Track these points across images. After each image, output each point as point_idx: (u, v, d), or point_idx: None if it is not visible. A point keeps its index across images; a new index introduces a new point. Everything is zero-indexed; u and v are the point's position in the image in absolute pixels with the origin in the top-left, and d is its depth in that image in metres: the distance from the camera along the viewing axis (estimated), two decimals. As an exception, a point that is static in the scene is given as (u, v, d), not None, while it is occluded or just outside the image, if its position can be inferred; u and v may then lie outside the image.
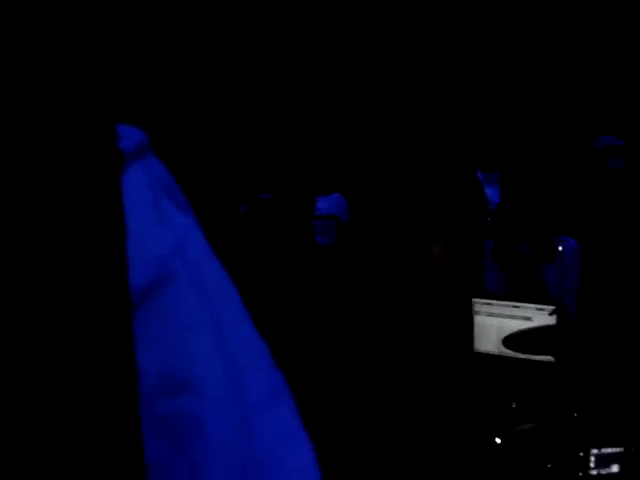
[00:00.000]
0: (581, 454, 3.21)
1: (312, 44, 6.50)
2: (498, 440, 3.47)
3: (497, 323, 3.85)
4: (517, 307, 3.82)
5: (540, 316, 3.72)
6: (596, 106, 6.06)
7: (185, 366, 0.66)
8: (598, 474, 3.22)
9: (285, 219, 5.48)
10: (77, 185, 0.62)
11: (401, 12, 6.57)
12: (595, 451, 3.22)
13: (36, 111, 0.63)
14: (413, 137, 6.47)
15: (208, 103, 6.12)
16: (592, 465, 3.22)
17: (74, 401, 0.59)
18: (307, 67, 6.52)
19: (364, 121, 6.55)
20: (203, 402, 0.66)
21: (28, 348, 0.57)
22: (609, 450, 3.24)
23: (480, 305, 3.94)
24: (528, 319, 3.75)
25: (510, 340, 3.57)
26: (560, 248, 4.11)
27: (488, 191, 5.39)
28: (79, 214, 0.61)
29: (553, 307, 3.71)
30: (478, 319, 3.94)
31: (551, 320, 3.68)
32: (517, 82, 6.49)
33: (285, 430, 0.70)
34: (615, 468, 3.24)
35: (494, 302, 3.91)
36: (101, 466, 0.60)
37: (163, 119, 5.15)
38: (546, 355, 3.58)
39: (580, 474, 3.21)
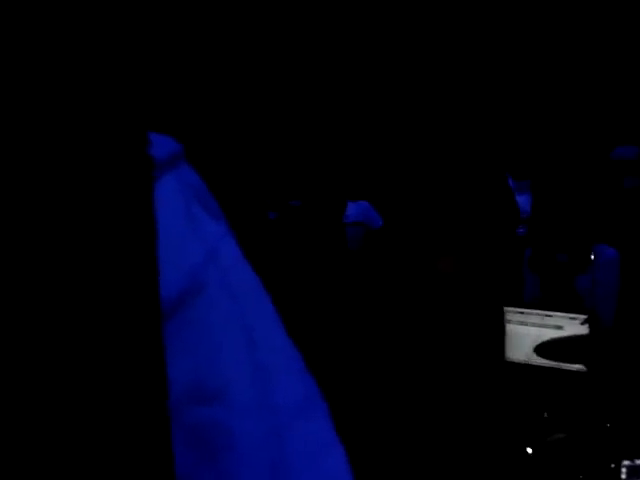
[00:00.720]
0: (612, 465, 3.18)
1: (342, 53, 6.50)
2: (530, 450, 3.44)
3: (529, 332, 3.83)
4: (549, 316, 3.79)
5: (572, 325, 3.69)
6: (630, 111, 6.01)
7: (216, 375, 0.66)
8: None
9: (315, 226, 5.48)
10: (109, 193, 0.62)
11: (429, 20, 6.56)
12: (627, 462, 3.19)
13: (69, 118, 0.63)
14: (445, 144, 6.45)
15: (240, 111, 6.15)
16: (624, 477, 3.18)
17: (104, 411, 0.59)
18: (340, 77, 6.52)
19: (395, 129, 6.54)
20: (233, 411, 0.66)
21: (59, 359, 0.57)
22: (641, 462, 3.20)
23: (512, 314, 3.91)
24: (560, 328, 3.72)
25: (542, 348, 3.55)
26: (593, 257, 4.07)
27: (520, 199, 5.36)
28: (111, 223, 0.61)
29: (585, 316, 3.68)
30: (510, 328, 3.91)
31: (583, 329, 3.65)
32: (549, 89, 6.45)
33: (318, 439, 0.69)
34: (648, 480, 3.20)
35: (526, 311, 3.89)
36: (131, 477, 0.59)
37: (196, 127, 5.17)
38: (578, 364, 3.55)
39: (612, 485, 3.17)
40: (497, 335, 3.94)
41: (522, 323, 3.87)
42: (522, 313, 3.89)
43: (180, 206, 0.68)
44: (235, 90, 6.11)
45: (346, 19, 6.46)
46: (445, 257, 4.98)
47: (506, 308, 3.93)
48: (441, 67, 6.57)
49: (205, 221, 0.69)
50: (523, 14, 6.48)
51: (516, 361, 3.88)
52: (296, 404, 0.69)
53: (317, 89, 6.47)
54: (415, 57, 6.55)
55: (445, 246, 5.06)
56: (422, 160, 6.36)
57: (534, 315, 3.83)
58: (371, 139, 6.48)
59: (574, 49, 6.39)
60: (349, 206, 5.05)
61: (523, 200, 5.39)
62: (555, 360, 3.57)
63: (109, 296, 0.60)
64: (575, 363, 3.55)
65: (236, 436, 0.65)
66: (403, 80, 6.57)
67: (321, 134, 6.45)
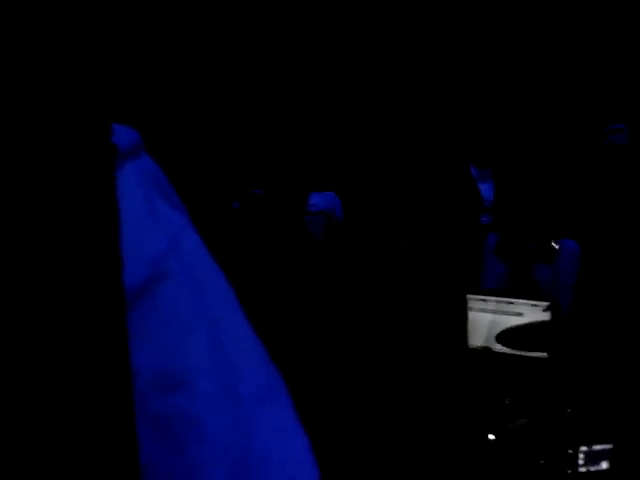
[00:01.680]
0: (570, 451, 3.22)
1: (303, 40, 6.49)
2: (491, 436, 3.48)
3: (491, 319, 3.86)
4: (511, 303, 3.82)
5: (534, 312, 3.73)
6: (596, 100, 6.07)
7: (180, 364, 0.66)
8: (587, 471, 3.23)
9: (278, 215, 5.48)
10: (71, 181, 0.62)
11: (393, 7, 6.57)
12: (584, 448, 3.23)
13: (30, 107, 0.63)
14: (406, 133, 6.47)
15: (200, 100, 6.12)
16: (581, 462, 3.23)
17: (67, 400, 0.58)
18: (299, 63, 6.51)
19: (357, 118, 6.55)
20: (198, 400, 0.66)
21: (20, 347, 0.57)
22: (598, 447, 3.25)
23: (474, 301, 3.94)
24: (522, 315, 3.76)
25: (504, 336, 3.58)
26: (557, 247, 4.12)
27: (482, 187, 5.39)
28: (73, 211, 0.61)
29: (547, 303, 3.72)
30: (472, 315, 3.94)
31: (545, 316, 3.69)
32: (512, 77, 6.49)
33: (282, 426, 0.70)
34: (604, 465, 3.25)
35: (488, 298, 3.92)
36: (95, 467, 0.59)
37: (155, 117, 5.14)
38: (540, 351, 3.59)
39: (569, 471, 3.21)
40: (459, 322, 3.97)
41: (484, 310, 3.90)
42: (484, 300, 3.92)
43: (141, 195, 0.67)
44: (197, 78, 6.08)
45: (307, 11, 6.45)
46: (410, 237, 5.00)
47: (468, 295, 3.96)
48: (403, 55, 6.58)
49: (166, 211, 0.69)
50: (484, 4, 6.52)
51: (478, 348, 3.91)
52: (260, 393, 0.69)
53: (281, 77, 6.46)
54: (377, 46, 6.56)
55: (409, 228, 5.09)
56: (385, 148, 6.38)
57: (496, 302, 3.86)
58: (335, 128, 6.48)
59: (535, 35, 6.43)
60: (313, 196, 5.05)
61: (485, 188, 5.43)
62: (517, 348, 3.60)
63: (72, 284, 0.60)
64: (536, 351, 3.59)
65: (201, 425, 0.66)
66: (365, 67, 6.57)
67: (284, 122, 6.44)
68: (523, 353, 3.65)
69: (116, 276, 0.62)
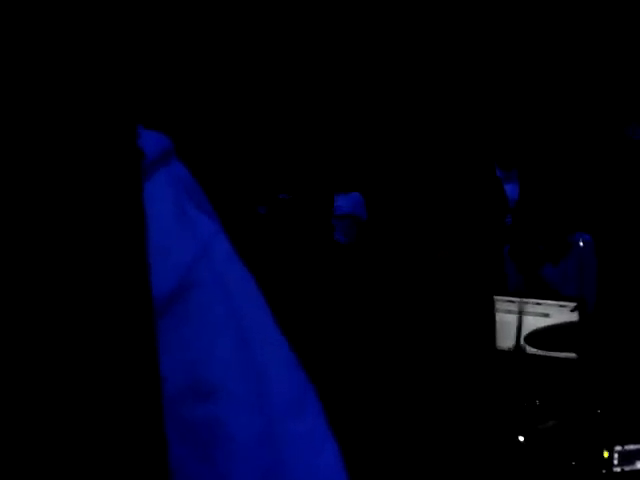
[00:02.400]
0: (605, 451, 3.19)
1: (329, 45, 6.49)
2: (521, 438, 3.46)
3: (519, 320, 3.84)
4: (539, 304, 3.80)
5: (562, 313, 3.71)
6: (616, 104, 6.03)
7: (210, 372, 0.66)
8: (622, 471, 3.20)
9: (304, 219, 5.48)
10: (99, 190, 0.61)
11: (414, 8, 6.56)
12: (619, 448, 3.20)
13: (57, 114, 0.63)
14: (432, 136, 6.45)
15: (227, 106, 6.13)
16: (615, 462, 3.20)
17: (97, 410, 0.59)
18: (324, 68, 6.51)
19: (382, 120, 6.54)
20: (228, 408, 0.65)
21: (50, 357, 0.57)
22: (632, 447, 3.22)
23: (502, 302, 3.92)
24: (549, 316, 3.74)
25: (532, 338, 3.56)
26: (581, 244, 4.09)
27: (507, 188, 5.37)
28: (100, 220, 0.61)
29: (575, 304, 3.70)
30: (500, 316, 3.92)
31: (572, 317, 3.67)
32: (536, 80, 6.46)
33: (312, 435, 0.69)
34: (639, 465, 3.22)
35: (516, 299, 3.90)
36: (126, 474, 0.59)
37: (182, 123, 5.16)
38: (568, 352, 3.56)
39: (604, 471, 3.19)
40: (488, 324, 3.95)
41: (511, 312, 3.88)
42: (511, 302, 3.90)
43: (172, 203, 0.67)
44: (223, 85, 6.09)
45: (344, 16, 6.45)
46: (443, 248, 4.99)
47: (495, 297, 3.94)
48: (427, 59, 6.57)
49: (197, 218, 0.69)
50: (503, 3, 6.49)
51: (507, 349, 3.89)
52: (290, 400, 0.69)
53: (305, 82, 6.46)
54: (400, 49, 6.55)
55: (441, 238, 5.07)
56: (411, 152, 6.36)
57: (523, 303, 3.84)
58: (359, 132, 6.47)
59: (559, 40, 6.40)
60: (339, 198, 5.04)
61: (510, 189, 5.41)
62: (546, 349, 3.58)
63: (100, 294, 0.60)
64: (565, 351, 3.56)
65: (231, 433, 0.65)
66: (390, 72, 6.56)
67: (308, 127, 6.45)
68: (552, 354, 3.63)
69: (144, 283, 0.62)
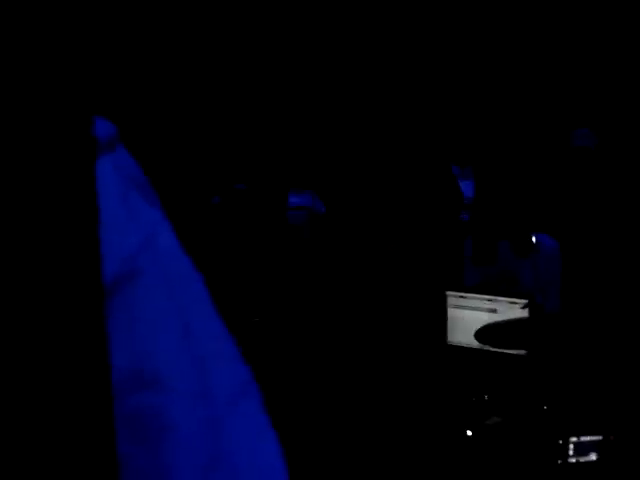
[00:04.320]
0: (560, 442, 3.24)
1: (286, 35, 6.48)
2: (469, 432, 3.49)
3: (470, 316, 3.87)
4: (490, 300, 3.84)
5: (513, 310, 3.75)
6: (572, 100, 6.10)
7: (153, 361, 0.66)
8: (577, 462, 3.26)
9: (260, 210, 5.47)
10: (51, 174, 0.61)
11: (373, 7, 6.58)
12: (574, 439, 3.26)
13: (12, 100, 0.62)
14: (388, 131, 6.47)
15: (180, 93, 6.10)
16: (571, 453, 3.25)
17: (47, 394, 0.58)
18: (282, 57, 6.50)
19: (338, 114, 6.55)
20: (170, 398, 0.66)
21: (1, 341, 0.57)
22: (588, 438, 3.27)
23: (454, 298, 3.96)
24: (501, 312, 3.78)
25: (482, 333, 3.60)
26: (535, 242, 4.14)
27: (462, 185, 5.41)
28: (52, 204, 0.61)
29: (526, 301, 3.74)
30: (451, 312, 3.96)
31: (523, 314, 3.71)
32: (492, 75, 6.51)
33: (253, 426, 0.70)
34: (593, 456, 3.28)
35: (467, 295, 3.93)
36: (73, 460, 0.59)
37: (132, 109, 5.12)
38: (518, 348, 3.61)
39: (559, 462, 3.24)
40: (438, 318, 3.98)
41: (463, 307, 3.92)
42: (463, 297, 3.93)
43: (116, 190, 0.67)
44: (175, 70, 6.05)
45: (291, 10, 6.44)
46: (396, 243, 5.02)
47: (448, 292, 3.97)
48: (382, 55, 6.59)
49: (141, 206, 0.69)
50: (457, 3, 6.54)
51: (457, 344, 3.92)
52: (232, 390, 0.69)
53: (263, 72, 6.45)
54: (356, 45, 6.56)
55: (394, 232, 5.10)
56: (367, 147, 6.38)
57: (475, 299, 3.88)
58: (315, 122, 6.48)
59: (513, 35, 6.46)
60: (291, 196, 5.06)
61: (466, 186, 5.45)
62: (495, 345, 3.62)
63: (49, 278, 0.59)
64: (514, 348, 3.60)
65: (174, 422, 0.66)
66: (346, 67, 6.57)
67: (266, 116, 6.43)
68: (502, 350, 3.67)
69: (95, 270, 0.62)
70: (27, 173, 0.61)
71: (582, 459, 3.26)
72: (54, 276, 0.60)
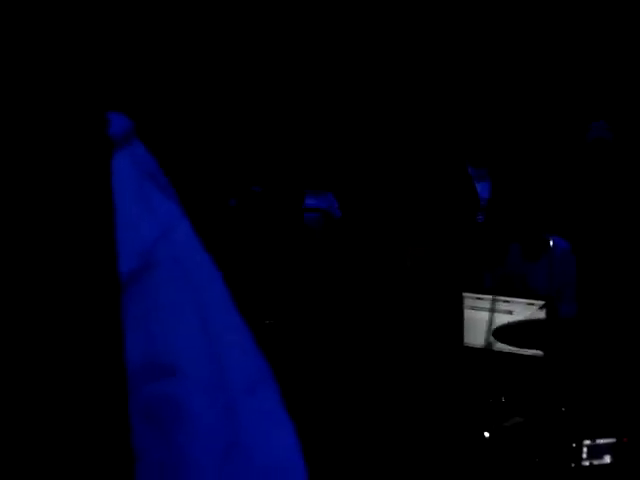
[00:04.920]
0: (574, 445, 3.22)
1: (302, 37, 6.49)
2: (487, 434, 3.48)
3: (487, 317, 3.86)
4: (507, 302, 3.82)
5: (529, 311, 3.73)
6: (587, 103, 6.08)
7: (169, 351, 0.66)
8: (590, 465, 3.24)
9: (276, 212, 5.47)
10: (67, 172, 0.62)
11: (391, 10, 6.57)
12: (587, 442, 3.24)
13: (27, 99, 0.63)
14: (405, 134, 6.47)
15: (200, 95, 6.11)
16: (584, 456, 3.24)
17: (63, 387, 0.59)
18: (299, 59, 6.51)
19: (356, 117, 6.55)
20: (187, 386, 0.66)
21: (16, 336, 0.57)
22: (601, 441, 3.26)
23: (470, 300, 3.94)
24: (518, 314, 3.76)
25: (500, 332, 3.58)
26: (551, 245, 4.12)
27: (478, 187, 5.40)
28: (69, 201, 0.61)
29: (542, 302, 3.72)
30: (468, 313, 3.95)
31: (540, 315, 3.69)
32: (508, 78, 6.50)
33: (269, 416, 0.70)
34: (607, 459, 3.26)
35: (484, 297, 3.92)
36: (89, 449, 0.60)
37: (154, 108, 5.14)
38: (535, 349, 3.59)
39: (572, 465, 3.22)
40: (455, 319, 3.97)
41: (480, 309, 3.90)
42: (480, 299, 3.92)
43: (133, 184, 0.68)
44: (196, 69, 6.07)
45: (308, 13, 6.45)
46: (414, 244, 5.01)
47: (464, 294, 3.96)
48: (401, 56, 6.58)
49: (158, 199, 0.69)
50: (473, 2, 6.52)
51: (474, 346, 3.91)
52: (248, 381, 0.70)
53: (280, 74, 6.46)
54: (373, 48, 6.56)
55: (412, 234, 5.09)
56: (384, 149, 6.38)
57: (492, 301, 3.87)
58: (333, 126, 6.48)
59: (533, 39, 6.44)
60: (309, 198, 5.06)
61: (482, 188, 5.44)
62: (512, 345, 3.60)
63: (67, 272, 0.60)
64: (532, 348, 3.59)
65: (190, 411, 0.66)
66: (363, 70, 6.57)
67: (283, 119, 6.44)
68: (519, 351, 3.65)
69: (111, 263, 0.63)
70: (44, 170, 0.61)
71: (596, 462, 3.24)
72: (70, 271, 0.61)
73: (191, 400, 0.66)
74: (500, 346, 3.66)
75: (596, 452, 3.25)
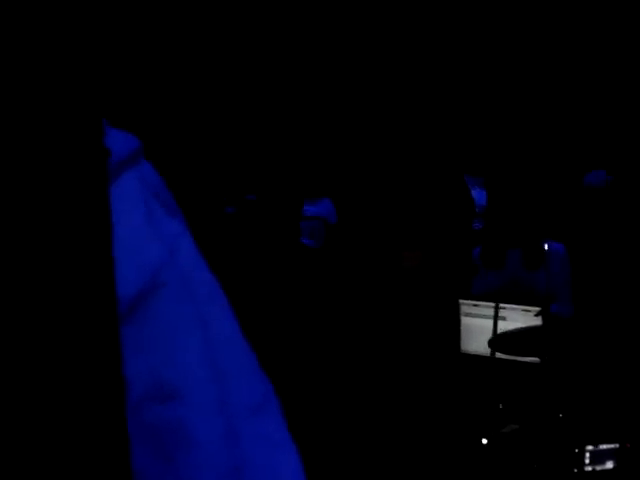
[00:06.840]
0: (576, 450, 3.22)
1: (299, 44, 6.50)
2: (485, 441, 3.48)
3: (483, 324, 3.86)
4: (504, 308, 3.82)
5: (526, 317, 3.73)
6: (585, 112, 6.09)
7: (173, 374, 0.66)
8: (593, 470, 3.24)
9: (272, 220, 5.47)
10: (61, 186, 0.61)
11: (388, 15, 6.58)
12: (590, 447, 3.23)
13: (24, 112, 0.62)
14: (401, 141, 6.47)
15: (195, 106, 6.11)
16: (587, 461, 3.23)
17: (60, 409, 0.58)
18: (294, 69, 6.52)
19: (352, 125, 6.55)
20: (190, 410, 0.66)
21: (13, 357, 0.57)
22: (604, 446, 3.25)
23: (467, 306, 3.94)
24: (514, 320, 3.76)
25: (496, 341, 3.58)
26: (547, 250, 4.12)
27: (474, 194, 5.41)
28: (63, 217, 0.60)
29: (539, 308, 3.72)
30: (465, 320, 3.94)
31: (537, 322, 3.69)
32: (505, 86, 6.51)
33: (272, 439, 0.70)
34: (610, 464, 3.26)
35: (481, 303, 3.91)
36: (88, 474, 0.59)
37: (150, 122, 5.14)
38: (532, 356, 3.59)
39: (575, 470, 3.22)
40: (452, 327, 3.97)
41: (476, 315, 3.90)
42: (476, 305, 3.92)
43: (140, 204, 0.67)
44: (192, 84, 6.07)
45: (307, 16, 6.45)
46: (411, 251, 5.00)
47: (460, 300, 3.96)
48: (397, 64, 6.59)
49: (164, 220, 0.69)
50: (475, 10, 6.53)
51: (471, 353, 3.91)
52: (252, 403, 0.69)
53: (276, 84, 6.46)
54: (369, 56, 6.57)
55: (409, 241, 5.09)
56: (380, 156, 6.38)
57: (488, 307, 3.86)
58: (329, 134, 6.48)
59: (530, 46, 6.45)
60: (307, 206, 5.06)
61: (478, 194, 5.45)
62: (509, 353, 3.60)
63: (64, 294, 0.59)
64: (529, 355, 3.59)
65: (194, 435, 0.65)
66: (360, 77, 6.58)
67: (278, 128, 6.44)
68: (516, 358, 3.65)
69: (109, 285, 0.62)
70: (31, 185, 0.60)
71: (599, 467, 3.24)
72: (67, 293, 0.59)
73: (194, 424, 0.66)
74: (497, 354, 3.66)
75: (599, 457, 3.25)
